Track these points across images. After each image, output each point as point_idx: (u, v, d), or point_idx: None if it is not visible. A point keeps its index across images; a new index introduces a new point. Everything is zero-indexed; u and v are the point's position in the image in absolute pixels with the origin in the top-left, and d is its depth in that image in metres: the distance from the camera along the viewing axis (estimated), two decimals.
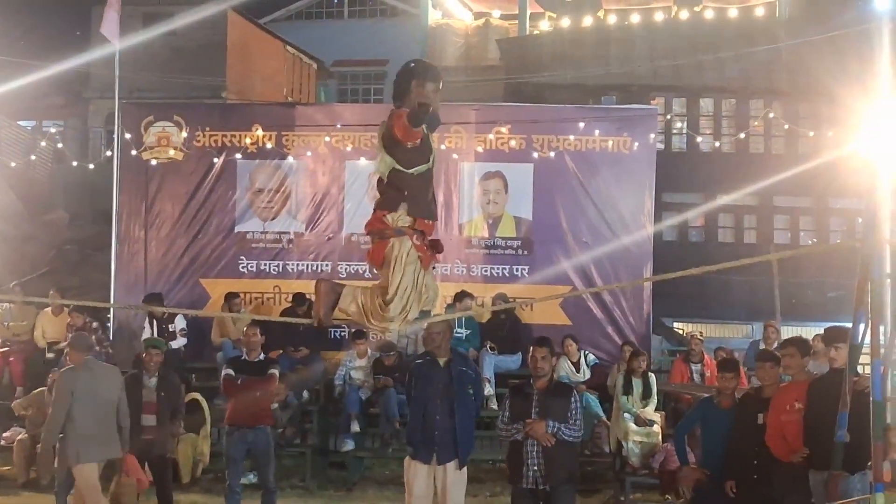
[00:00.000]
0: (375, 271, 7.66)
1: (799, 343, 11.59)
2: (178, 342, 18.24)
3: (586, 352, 17.97)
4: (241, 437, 13.73)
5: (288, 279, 19.51)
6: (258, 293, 19.51)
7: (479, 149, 19.30)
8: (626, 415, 16.06)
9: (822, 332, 12.01)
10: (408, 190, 7.40)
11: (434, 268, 7.83)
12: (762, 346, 17.35)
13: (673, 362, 18.83)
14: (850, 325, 8.65)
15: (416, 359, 12.11)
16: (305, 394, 17.95)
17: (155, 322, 18.07)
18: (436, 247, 7.64)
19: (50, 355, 18.87)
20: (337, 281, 7.81)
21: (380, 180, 7.56)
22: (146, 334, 17.77)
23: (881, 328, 8.22)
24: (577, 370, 17.57)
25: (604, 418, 16.89)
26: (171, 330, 18.14)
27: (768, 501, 10.88)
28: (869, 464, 8.45)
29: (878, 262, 8.11)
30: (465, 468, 11.15)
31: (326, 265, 19.42)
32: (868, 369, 8.81)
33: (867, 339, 8.40)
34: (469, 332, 18.25)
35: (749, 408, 11.45)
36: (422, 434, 10.94)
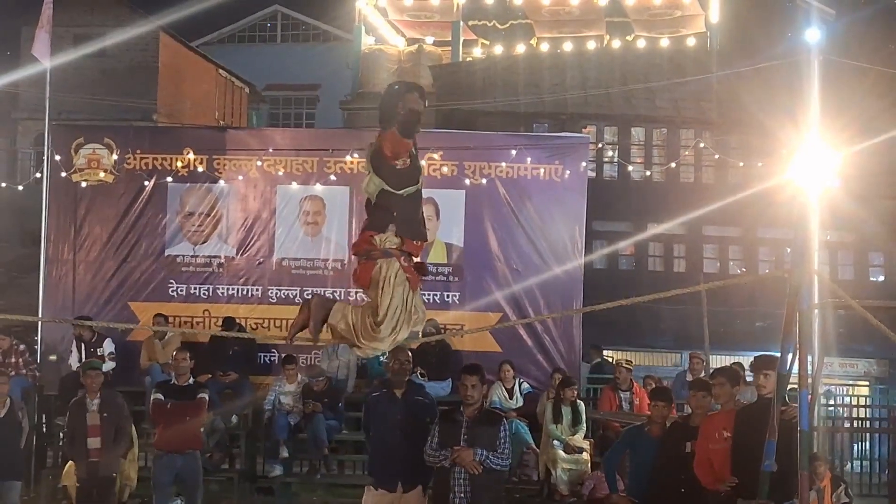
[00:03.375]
0: (362, 294, 7.65)
1: (728, 373, 11.67)
2: (106, 366, 17.96)
3: (521, 380, 17.95)
4: (170, 462, 13.66)
5: (218, 303, 19.33)
6: (188, 317, 19.32)
7: None
8: (555, 442, 16.07)
9: (749, 361, 12.07)
10: (397, 211, 7.44)
11: (421, 290, 7.81)
12: (688, 377, 17.44)
13: (602, 390, 18.83)
14: (779, 353, 8.70)
15: (372, 392, 12.25)
16: (234, 418, 17.80)
17: (83, 346, 17.88)
18: (421, 269, 7.65)
19: None
20: (328, 297, 7.77)
21: (367, 202, 7.57)
22: (73, 358, 17.62)
23: (809, 358, 8.28)
24: (511, 397, 17.52)
25: (533, 445, 16.86)
26: (98, 353, 17.88)
27: None
28: (796, 493, 8.51)
29: (807, 292, 8.17)
30: (427, 494, 11.16)
31: (257, 290, 19.31)
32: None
33: (795, 369, 8.46)
34: None
35: (677, 436, 11.50)
36: (384, 465, 11.00)
